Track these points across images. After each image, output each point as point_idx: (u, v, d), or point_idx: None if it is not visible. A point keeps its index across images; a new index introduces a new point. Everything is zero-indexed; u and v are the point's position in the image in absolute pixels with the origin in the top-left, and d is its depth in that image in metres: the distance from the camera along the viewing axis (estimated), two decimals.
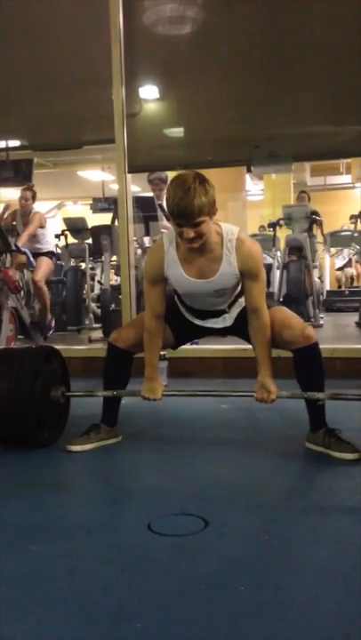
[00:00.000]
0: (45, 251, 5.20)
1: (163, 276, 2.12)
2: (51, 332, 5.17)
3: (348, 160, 10.94)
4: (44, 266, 5.09)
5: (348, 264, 10.21)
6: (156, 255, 2.12)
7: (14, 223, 5.23)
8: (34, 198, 5.15)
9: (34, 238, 5.09)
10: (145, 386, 2.25)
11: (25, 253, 4.64)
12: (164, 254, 2.10)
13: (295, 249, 6.23)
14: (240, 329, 2.23)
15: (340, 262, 10.09)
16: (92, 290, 6.97)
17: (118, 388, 2.34)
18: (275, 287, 6.71)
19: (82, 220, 6.66)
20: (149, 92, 4.00)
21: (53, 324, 5.34)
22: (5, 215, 5.25)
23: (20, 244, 4.71)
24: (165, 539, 1.55)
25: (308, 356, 2.17)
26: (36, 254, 5.01)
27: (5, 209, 5.32)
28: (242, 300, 2.21)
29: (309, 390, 2.20)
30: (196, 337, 2.44)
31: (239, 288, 2.17)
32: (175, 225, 1.96)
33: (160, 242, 2.12)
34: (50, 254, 5.25)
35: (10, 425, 2.26)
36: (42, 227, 5.18)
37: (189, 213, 1.88)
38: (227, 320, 2.25)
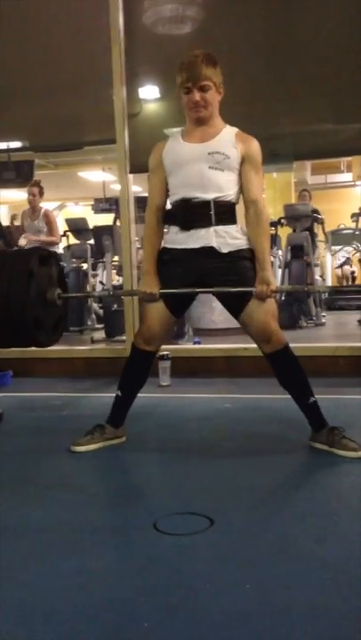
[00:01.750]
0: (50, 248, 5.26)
1: (162, 164, 2.20)
2: None
3: (349, 158, 10.93)
4: None
5: (347, 262, 10.21)
6: (159, 145, 2.23)
7: (24, 223, 5.28)
8: (41, 194, 5.20)
9: (39, 233, 5.15)
10: (143, 279, 2.26)
11: None
12: (166, 142, 2.22)
13: (297, 248, 6.23)
14: (227, 283, 2.16)
15: (338, 262, 10.09)
16: (95, 290, 6.98)
17: (135, 390, 2.33)
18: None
19: (83, 221, 6.67)
20: (150, 92, 4.00)
21: None
22: (16, 222, 5.30)
23: (35, 238, 4.74)
24: (171, 538, 1.56)
25: (279, 360, 2.19)
26: None
27: (13, 219, 5.36)
28: (233, 233, 2.14)
29: (295, 391, 2.21)
30: (190, 297, 2.33)
31: (231, 194, 2.14)
32: (184, 95, 2.11)
33: (164, 142, 2.24)
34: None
35: (5, 325, 2.22)
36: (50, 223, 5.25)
37: (197, 75, 2.06)
38: (213, 238, 2.12)
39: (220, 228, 2.14)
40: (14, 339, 2.28)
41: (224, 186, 2.14)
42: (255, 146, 2.16)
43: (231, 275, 2.16)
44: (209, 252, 2.14)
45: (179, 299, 2.29)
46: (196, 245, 2.15)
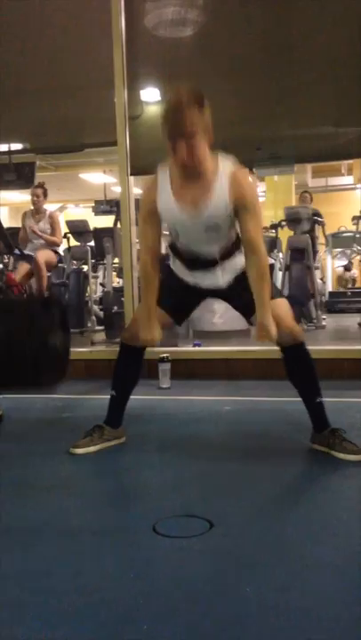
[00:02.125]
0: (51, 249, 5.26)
1: (156, 210, 2.09)
2: None
3: (350, 161, 10.94)
4: (48, 252, 5.14)
5: (348, 266, 10.21)
6: (150, 187, 2.10)
7: (26, 224, 5.28)
8: (45, 195, 5.22)
9: (43, 235, 5.16)
10: (142, 330, 2.17)
11: (30, 257, 4.66)
12: (157, 184, 2.07)
13: (297, 250, 6.23)
14: (237, 298, 2.21)
15: (340, 262, 10.09)
16: (95, 292, 6.98)
17: (128, 388, 2.33)
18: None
19: (84, 223, 6.67)
20: (151, 95, 4.00)
21: None
22: (21, 234, 5.29)
23: (40, 233, 4.75)
24: (171, 540, 1.55)
25: (295, 354, 2.18)
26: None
27: (20, 230, 5.37)
28: (237, 264, 2.16)
29: (304, 391, 2.21)
30: (193, 303, 2.35)
31: (232, 236, 2.13)
32: (169, 143, 1.94)
33: (154, 175, 2.09)
34: (55, 251, 5.31)
35: (8, 368, 2.24)
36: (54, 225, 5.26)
37: (181, 125, 1.88)
38: (219, 277, 2.17)
39: (226, 263, 2.17)
40: (16, 381, 2.31)
41: (224, 237, 2.13)
42: (249, 194, 2.02)
43: (239, 286, 2.18)
44: (216, 286, 2.21)
45: (180, 307, 2.32)
46: (203, 284, 2.21)
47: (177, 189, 2.05)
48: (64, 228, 7.04)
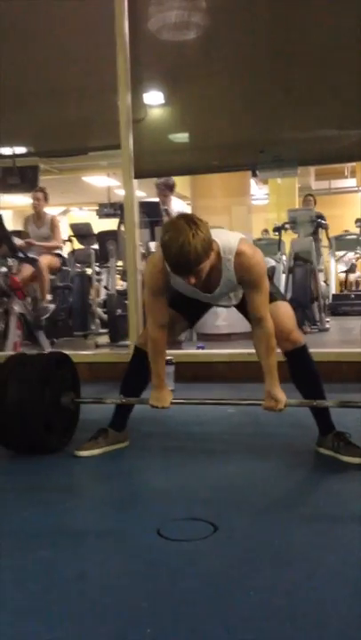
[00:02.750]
0: (53, 253, 5.27)
1: (164, 286, 2.10)
2: (47, 315, 5.12)
3: (353, 164, 10.94)
4: (50, 257, 5.14)
5: (352, 269, 10.20)
6: (157, 266, 2.05)
7: (28, 229, 5.29)
8: (45, 199, 5.22)
9: (45, 240, 5.16)
10: (153, 394, 2.24)
11: (34, 260, 4.67)
12: (165, 267, 2.01)
13: (301, 253, 6.22)
14: (244, 306, 2.23)
15: (343, 267, 10.09)
16: (99, 295, 6.99)
17: (136, 393, 2.35)
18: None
19: (88, 226, 6.68)
20: (155, 98, 4.01)
21: (52, 306, 5.29)
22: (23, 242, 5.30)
23: (39, 242, 4.76)
24: (175, 543, 1.55)
25: (296, 358, 2.19)
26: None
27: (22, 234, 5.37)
28: None
29: (308, 394, 2.21)
30: (204, 309, 2.41)
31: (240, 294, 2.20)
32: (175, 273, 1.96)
33: (161, 254, 1.97)
34: (57, 255, 5.31)
35: (19, 430, 2.27)
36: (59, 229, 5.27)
37: (188, 268, 1.87)
38: (232, 300, 2.24)
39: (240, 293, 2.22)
40: (25, 442, 2.31)
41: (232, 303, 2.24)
42: (253, 272, 2.02)
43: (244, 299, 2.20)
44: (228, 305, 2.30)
45: (192, 311, 2.35)
46: (214, 303, 2.31)
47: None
48: (68, 231, 7.06)
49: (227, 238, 2.03)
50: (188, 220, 1.86)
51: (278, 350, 2.15)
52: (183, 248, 1.81)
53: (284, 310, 2.20)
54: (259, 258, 2.04)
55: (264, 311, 2.06)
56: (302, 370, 2.21)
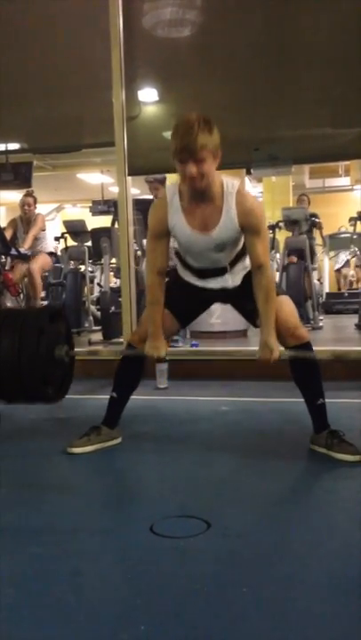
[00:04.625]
0: (46, 252, 5.24)
1: (167, 229, 2.12)
2: None
3: (347, 162, 10.95)
4: (42, 259, 5.13)
5: (346, 265, 10.23)
6: (161, 207, 2.11)
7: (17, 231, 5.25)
8: (35, 203, 5.19)
9: (35, 241, 5.12)
10: (148, 343, 2.22)
11: (26, 256, 4.65)
12: (167, 206, 2.09)
13: (295, 251, 6.23)
14: (242, 301, 2.24)
15: (337, 264, 10.12)
16: (92, 292, 6.97)
17: (129, 390, 2.35)
18: None
19: (81, 223, 6.66)
20: (149, 95, 4.00)
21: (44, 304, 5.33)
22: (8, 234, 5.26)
23: (26, 246, 4.73)
24: (168, 541, 1.55)
25: (299, 357, 2.18)
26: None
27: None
28: (246, 264, 2.19)
29: (307, 391, 2.21)
30: (200, 308, 2.41)
31: (241, 245, 2.15)
32: (178, 164, 1.96)
33: (164, 194, 2.12)
34: (49, 254, 5.29)
35: (14, 381, 2.28)
36: (42, 229, 5.20)
37: (192, 146, 1.90)
38: (228, 281, 2.21)
39: (235, 267, 2.20)
40: (23, 394, 2.33)
41: (233, 254, 2.17)
42: (256, 215, 2.05)
43: (244, 289, 2.19)
44: (225, 288, 2.24)
45: (187, 310, 2.34)
46: (213, 287, 2.24)
47: (187, 211, 2.08)
48: (61, 228, 7.03)
49: (229, 178, 2.07)
50: (202, 116, 1.95)
51: (281, 348, 2.15)
52: (192, 129, 1.90)
53: (288, 306, 2.20)
54: (259, 204, 2.10)
55: (265, 258, 2.08)
56: (305, 366, 2.20)
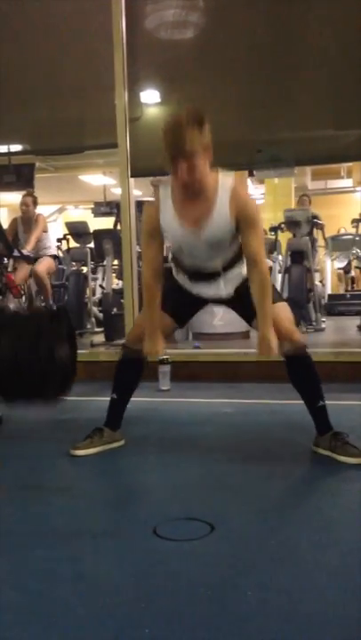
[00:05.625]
0: (49, 254, 5.22)
1: (159, 227, 2.12)
2: None
3: (350, 164, 10.96)
4: (46, 261, 5.10)
5: (347, 267, 10.21)
6: (152, 206, 2.13)
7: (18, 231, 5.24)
8: (35, 204, 5.16)
9: (38, 243, 5.11)
10: (146, 342, 2.21)
11: (29, 258, 4.64)
12: (159, 204, 2.10)
13: (297, 253, 6.23)
14: (239, 304, 2.24)
15: (339, 264, 10.10)
16: (94, 294, 6.97)
17: (129, 392, 2.34)
18: None
19: (84, 225, 6.66)
20: (151, 97, 4.01)
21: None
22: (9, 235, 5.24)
23: (29, 248, 4.73)
24: (171, 543, 1.55)
25: (296, 358, 2.18)
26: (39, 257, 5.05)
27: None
28: (242, 271, 2.17)
29: (306, 395, 2.20)
30: (196, 308, 2.39)
31: (236, 249, 2.14)
32: (170, 162, 1.95)
33: (156, 194, 2.13)
34: (52, 256, 5.27)
35: (15, 382, 2.27)
36: (44, 230, 5.19)
37: (181, 144, 1.89)
38: (222, 288, 2.20)
39: (228, 273, 2.19)
40: (23, 394, 2.32)
41: (227, 251, 2.15)
42: (250, 208, 2.05)
43: (241, 294, 2.18)
44: (219, 298, 2.25)
45: (183, 310, 2.33)
46: (206, 295, 2.25)
47: (179, 207, 2.08)
48: (63, 230, 7.03)
49: (224, 175, 2.08)
50: (194, 112, 1.95)
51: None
52: (180, 126, 1.90)
53: (285, 312, 2.19)
54: (254, 201, 2.11)
55: (260, 253, 2.06)
56: (302, 370, 2.20)
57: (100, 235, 5.92)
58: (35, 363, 2.26)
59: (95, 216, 7.21)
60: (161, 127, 1.96)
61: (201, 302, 2.36)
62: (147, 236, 2.19)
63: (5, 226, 5.34)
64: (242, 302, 2.19)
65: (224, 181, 2.05)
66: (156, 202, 2.13)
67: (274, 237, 7.21)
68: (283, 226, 6.60)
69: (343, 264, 10.02)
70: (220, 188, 2.04)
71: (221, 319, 5.02)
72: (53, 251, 5.38)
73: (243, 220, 2.04)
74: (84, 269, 6.58)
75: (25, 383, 2.27)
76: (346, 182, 12.54)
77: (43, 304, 5.12)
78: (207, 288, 2.23)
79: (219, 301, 2.32)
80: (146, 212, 2.20)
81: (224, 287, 2.20)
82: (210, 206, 2.04)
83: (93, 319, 6.38)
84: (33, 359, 2.26)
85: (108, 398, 2.40)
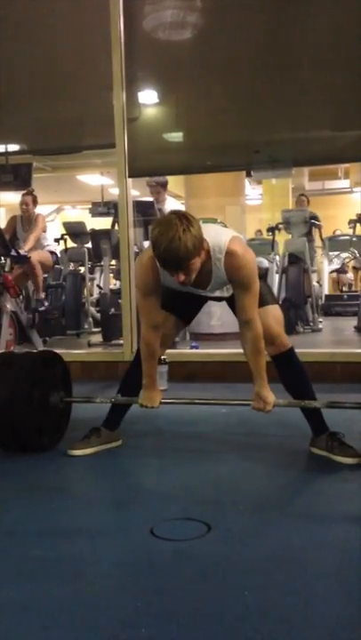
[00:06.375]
0: (47, 249, 5.22)
1: (157, 286, 2.06)
2: (43, 308, 5.08)
3: (347, 165, 10.98)
4: (42, 253, 5.05)
5: (343, 268, 10.22)
6: (151, 269, 2.02)
7: (17, 230, 5.22)
8: (34, 202, 5.15)
9: (36, 242, 5.11)
10: (143, 394, 2.24)
11: (26, 258, 4.64)
12: (158, 268, 1.99)
13: (294, 253, 6.23)
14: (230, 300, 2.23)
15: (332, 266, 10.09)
16: (92, 294, 6.97)
17: (135, 392, 2.32)
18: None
19: (82, 225, 6.67)
20: (149, 97, 4.01)
21: (46, 303, 5.26)
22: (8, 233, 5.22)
23: (27, 248, 4.72)
24: (168, 543, 1.55)
25: (283, 360, 2.19)
26: None
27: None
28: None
29: (297, 395, 2.21)
30: (197, 306, 2.38)
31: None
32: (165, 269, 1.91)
33: (150, 253, 1.94)
34: (50, 253, 5.26)
35: (9, 432, 2.27)
36: (44, 230, 5.19)
37: (177, 264, 1.83)
38: (225, 292, 2.20)
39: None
40: (18, 444, 2.31)
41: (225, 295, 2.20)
42: (245, 272, 1.98)
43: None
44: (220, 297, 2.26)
45: (185, 309, 2.33)
46: (207, 295, 2.24)
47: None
48: (60, 230, 7.02)
49: (217, 236, 1.98)
50: (180, 216, 1.83)
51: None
52: (173, 243, 1.77)
53: (273, 315, 2.18)
54: (249, 258, 1.99)
55: (252, 313, 2.02)
56: (290, 373, 2.21)
57: (97, 235, 5.92)
58: (30, 414, 2.25)
59: (93, 216, 7.21)
60: (151, 237, 1.87)
61: (203, 299, 2.34)
62: (142, 294, 2.10)
63: (4, 224, 5.34)
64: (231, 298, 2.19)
65: (216, 250, 1.96)
66: (152, 265, 1.99)
67: (271, 238, 7.22)
68: (280, 226, 6.61)
69: (336, 266, 10.03)
70: (213, 257, 1.97)
71: (219, 319, 5.02)
72: (52, 248, 5.37)
73: (236, 281, 2.01)
74: (82, 269, 6.58)
75: (19, 434, 2.27)
76: (343, 183, 12.58)
77: (31, 294, 5.08)
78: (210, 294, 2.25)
79: (219, 299, 2.32)
80: (142, 271, 2.06)
81: (227, 291, 2.20)
82: (207, 274, 2.01)
83: (91, 319, 6.38)
84: (27, 409, 2.24)
85: (106, 398, 2.40)
